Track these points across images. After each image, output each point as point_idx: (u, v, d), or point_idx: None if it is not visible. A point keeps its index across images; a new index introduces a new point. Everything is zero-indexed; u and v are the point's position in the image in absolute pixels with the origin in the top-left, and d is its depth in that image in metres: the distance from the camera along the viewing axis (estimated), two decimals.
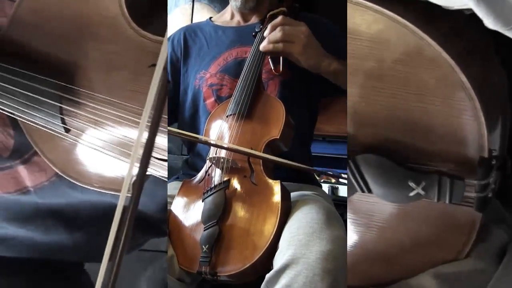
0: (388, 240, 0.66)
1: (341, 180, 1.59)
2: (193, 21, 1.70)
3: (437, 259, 0.64)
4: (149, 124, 0.47)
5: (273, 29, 0.87)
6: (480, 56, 0.64)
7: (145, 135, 0.47)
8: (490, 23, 0.51)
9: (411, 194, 0.60)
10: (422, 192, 0.60)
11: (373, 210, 0.66)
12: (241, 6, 1.02)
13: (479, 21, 0.52)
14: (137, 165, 0.49)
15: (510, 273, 0.61)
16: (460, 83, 0.56)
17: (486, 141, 0.57)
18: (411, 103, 0.59)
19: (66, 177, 0.79)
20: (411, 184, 0.60)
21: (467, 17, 0.60)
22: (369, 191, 0.63)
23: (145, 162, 0.47)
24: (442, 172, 0.59)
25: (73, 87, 0.73)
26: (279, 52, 0.89)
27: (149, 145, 0.47)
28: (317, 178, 1.15)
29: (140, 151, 0.47)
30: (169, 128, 0.74)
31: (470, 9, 0.53)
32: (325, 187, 1.58)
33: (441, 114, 0.58)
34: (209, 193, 0.78)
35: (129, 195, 0.49)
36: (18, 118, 0.78)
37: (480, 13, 0.51)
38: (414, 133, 0.60)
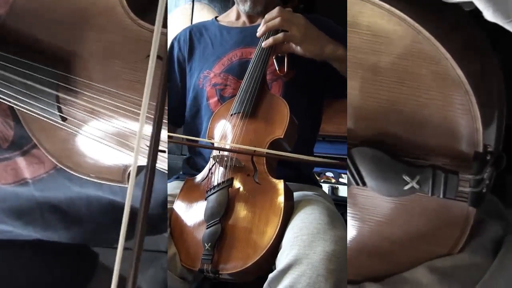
0: (383, 234, 0.65)
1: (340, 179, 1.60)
2: (193, 21, 1.71)
3: (431, 253, 0.64)
4: (145, 114, 0.47)
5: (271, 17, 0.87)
6: (477, 52, 0.64)
7: (146, 127, 0.47)
8: (489, 15, 0.51)
9: (405, 187, 0.60)
10: (416, 186, 0.59)
11: (368, 204, 0.65)
12: (249, 10, 1.03)
13: (477, 17, 0.53)
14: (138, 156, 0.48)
15: (505, 267, 0.60)
16: (457, 78, 0.56)
17: (481, 136, 0.57)
18: (407, 97, 0.59)
19: (63, 167, 0.79)
20: (406, 177, 0.59)
21: (466, 13, 0.60)
22: (364, 184, 0.63)
23: (152, 154, 0.46)
24: (436, 166, 0.58)
25: (70, 76, 0.73)
26: (280, 42, 0.88)
27: (156, 137, 0.47)
28: (317, 178, 1.15)
29: (140, 143, 0.47)
30: (169, 133, 0.74)
31: (470, 5, 0.53)
32: (325, 187, 1.57)
33: (437, 108, 0.58)
34: (212, 191, 0.78)
35: (126, 186, 0.48)
36: (15, 107, 0.78)
37: (480, 5, 0.51)
38: (409, 127, 0.60)
